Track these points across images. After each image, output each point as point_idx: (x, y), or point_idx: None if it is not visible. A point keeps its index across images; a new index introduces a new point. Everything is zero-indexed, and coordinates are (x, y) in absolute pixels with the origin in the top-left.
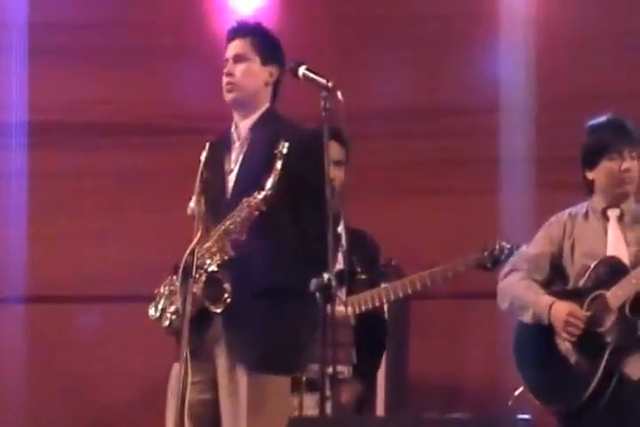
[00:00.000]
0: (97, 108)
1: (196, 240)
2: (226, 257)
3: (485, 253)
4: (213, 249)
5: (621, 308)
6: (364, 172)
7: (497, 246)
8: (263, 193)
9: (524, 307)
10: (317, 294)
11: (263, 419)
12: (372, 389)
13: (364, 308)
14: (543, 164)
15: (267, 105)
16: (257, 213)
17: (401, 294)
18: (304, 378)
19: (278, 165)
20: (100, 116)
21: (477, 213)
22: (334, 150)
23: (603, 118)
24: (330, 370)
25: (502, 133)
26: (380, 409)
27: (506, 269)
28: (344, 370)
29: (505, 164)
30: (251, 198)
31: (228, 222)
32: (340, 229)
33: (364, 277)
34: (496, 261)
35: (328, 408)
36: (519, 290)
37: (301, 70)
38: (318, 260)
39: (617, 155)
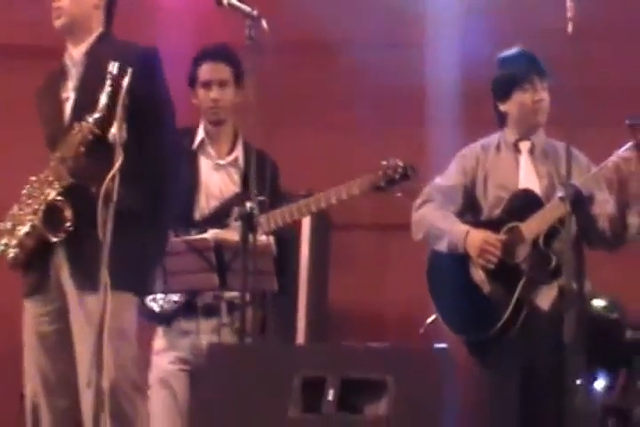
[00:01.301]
0: None
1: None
2: (64, 184)
3: (379, 173)
4: (50, 178)
5: (535, 240)
6: (289, 103)
7: (390, 166)
8: (94, 116)
9: (440, 236)
10: (240, 223)
11: (111, 336)
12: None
13: (274, 225)
14: (468, 99)
15: (100, 29)
16: (91, 136)
17: (313, 209)
18: (200, 304)
19: (107, 85)
20: None
21: (402, 147)
22: (217, 70)
23: (513, 50)
24: (227, 296)
25: (427, 68)
26: (300, 338)
27: (419, 200)
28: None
29: (430, 98)
30: (83, 122)
31: (64, 149)
32: (239, 150)
33: (261, 198)
34: (390, 181)
35: (226, 334)
36: (434, 220)
37: None
38: (159, 178)
39: (529, 86)
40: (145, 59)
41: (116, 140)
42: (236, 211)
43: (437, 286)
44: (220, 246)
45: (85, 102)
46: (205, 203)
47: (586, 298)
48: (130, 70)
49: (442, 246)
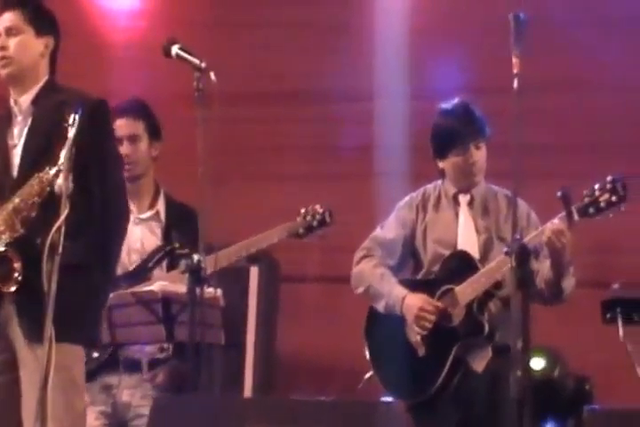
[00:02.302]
0: None
1: None
2: (15, 235)
3: (298, 220)
4: (1, 228)
5: (469, 305)
6: (237, 154)
7: (309, 212)
8: (56, 168)
9: (378, 297)
10: (187, 276)
11: (64, 387)
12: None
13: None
14: (416, 152)
15: (45, 77)
16: (49, 188)
17: (233, 259)
18: (121, 358)
19: (70, 136)
20: None
21: (350, 200)
22: (126, 125)
23: (450, 105)
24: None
25: (377, 121)
26: (247, 391)
27: (360, 253)
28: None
29: (379, 151)
30: (42, 173)
31: (17, 199)
32: (160, 204)
33: (186, 251)
34: (308, 227)
35: (148, 389)
36: (373, 279)
37: (174, 49)
38: (105, 232)
39: (463, 150)
40: (95, 110)
41: (63, 192)
42: (183, 263)
43: (374, 345)
44: (167, 298)
45: (33, 152)
46: (127, 257)
47: (528, 354)
48: (77, 121)
49: (379, 307)
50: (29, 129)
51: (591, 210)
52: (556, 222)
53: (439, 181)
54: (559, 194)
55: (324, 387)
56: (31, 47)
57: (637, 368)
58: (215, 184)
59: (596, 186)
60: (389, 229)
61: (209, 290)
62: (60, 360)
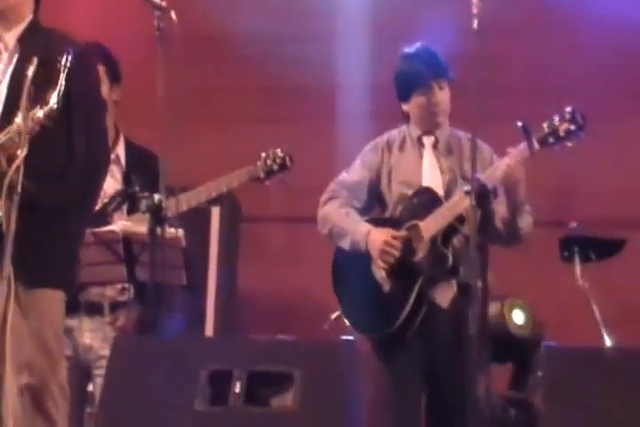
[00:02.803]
0: None
1: None
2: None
3: (259, 164)
4: None
5: (433, 239)
6: (198, 96)
7: (269, 156)
8: (47, 107)
9: (343, 235)
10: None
11: (52, 335)
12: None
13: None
14: (378, 93)
15: (30, 16)
16: (38, 128)
17: (193, 204)
18: (82, 301)
19: (62, 78)
20: None
21: (311, 141)
22: None
23: (412, 49)
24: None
25: (338, 61)
26: (209, 331)
27: (325, 196)
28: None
29: (341, 92)
30: (34, 112)
31: (3, 137)
32: (120, 148)
33: (146, 194)
34: (269, 172)
35: (109, 332)
36: (338, 218)
37: None
38: (87, 176)
39: (426, 90)
40: (84, 54)
41: (22, 131)
42: (143, 204)
43: (341, 283)
44: (128, 239)
45: (18, 90)
46: None
47: (488, 294)
48: (69, 63)
49: (344, 245)
50: (15, 67)
51: (551, 139)
52: (511, 156)
53: (403, 126)
54: (519, 124)
55: (288, 328)
56: None
57: (593, 306)
58: (176, 127)
59: (556, 116)
60: (355, 173)
61: (170, 230)
62: (45, 306)
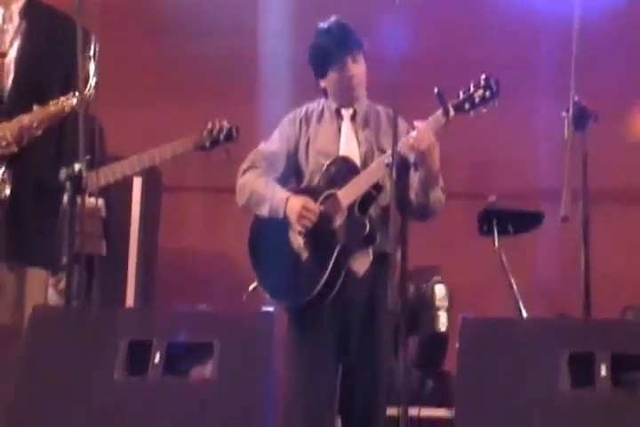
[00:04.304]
0: None
1: None
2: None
3: (204, 133)
4: (9, 139)
5: (351, 207)
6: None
7: (215, 126)
8: (81, 96)
9: (261, 201)
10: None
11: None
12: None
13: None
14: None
15: None
16: (65, 114)
17: (137, 168)
18: None
19: (92, 66)
20: None
21: (233, 113)
22: None
23: (324, 24)
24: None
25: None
26: (129, 302)
27: (244, 165)
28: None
29: (261, 63)
30: (65, 98)
31: (28, 117)
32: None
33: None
34: (214, 142)
35: (51, 295)
36: (257, 185)
37: None
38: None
39: (341, 64)
40: (88, 36)
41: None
42: (63, 172)
43: (258, 253)
44: None
45: (30, 65)
46: None
47: (406, 264)
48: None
49: (263, 211)
50: (22, 41)
51: (467, 105)
52: (425, 122)
53: (322, 99)
54: (435, 91)
55: (207, 298)
56: None
57: (511, 279)
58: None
59: (471, 83)
60: (273, 143)
61: (90, 200)
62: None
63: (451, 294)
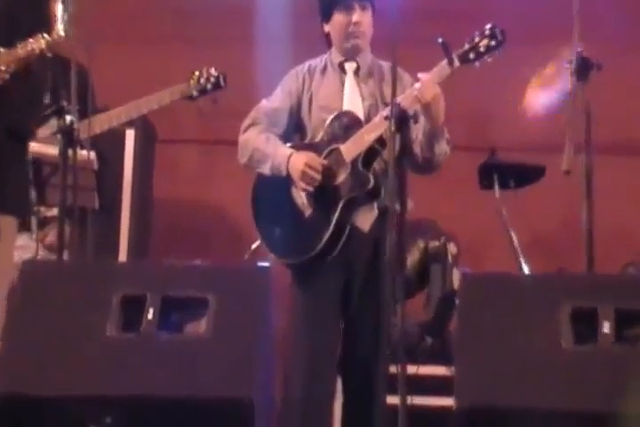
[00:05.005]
0: None
1: None
2: None
3: (191, 82)
4: None
5: (354, 161)
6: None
7: (203, 75)
8: (50, 38)
9: (263, 159)
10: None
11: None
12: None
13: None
14: (300, 16)
15: None
16: (34, 57)
17: (124, 118)
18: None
19: (59, 8)
20: None
21: (229, 64)
22: None
23: None
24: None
25: None
26: (122, 256)
27: (246, 123)
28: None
29: (263, 14)
30: (34, 40)
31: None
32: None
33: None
34: (202, 90)
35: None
36: (259, 143)
37: None
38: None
39: (346, 8)
40: None
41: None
42: (53, 123)
43: (261, 211)
44: (38, 160)
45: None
46: None
47: (405, 218)
48: None
49: (265, 169)
50: None
51: (471, 55)
52: (430, 73)
53: (325, 55)
54: (439, 41)
55: (204, 252)
56: None
57: (512, 233)
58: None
59: (476, 32)
60: (275, 100)
61: (82, 152)
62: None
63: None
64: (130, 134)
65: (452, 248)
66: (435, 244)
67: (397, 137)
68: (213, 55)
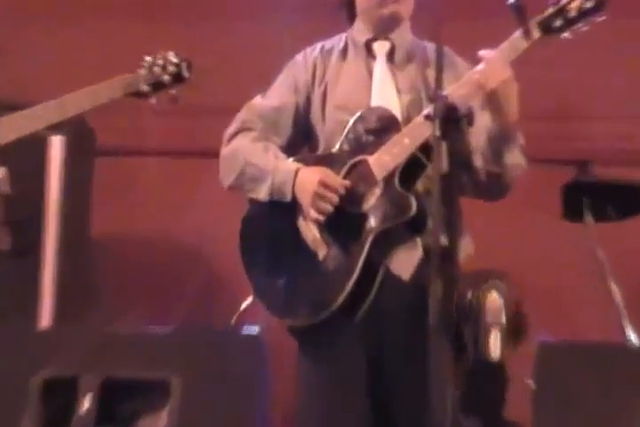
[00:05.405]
0: None
1: None
2: None
3: (141, 71)
4: None
5: (389, 179)
6: None
7: (157, 62)
8: None
9: (259, 177)
10: None
11: None
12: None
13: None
14: None
15: None
16: None
17: (55, 119)
18: None
19: None
20: None
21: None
22: None
23: None
24: None
25: None
26: (44, 317)
27: (232, 128)
28: None
29: None
30: None
31: None
32: None
33: None
34: (157, 84)
35: None
36: (252, 155)
37: None
38: None
39: None
40: None
41: None
42: None
43: (254, 252)
44: None
45: None
46: None
47: (458, 260)
48: None
49: (261, 192)
50: None
51: (558, 22)
52: (496, 51)
53: (344, 33)
54: (510, 2)
55: (166, 314)
56: None
57: (611, 283)
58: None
59: None
60: (274, 96)
61: None
62: None
63: (517, 307)
64: (56, 142)
65: (492, 301)
66: (469, 293)
67: (444, 145)
68: (177, 33)
